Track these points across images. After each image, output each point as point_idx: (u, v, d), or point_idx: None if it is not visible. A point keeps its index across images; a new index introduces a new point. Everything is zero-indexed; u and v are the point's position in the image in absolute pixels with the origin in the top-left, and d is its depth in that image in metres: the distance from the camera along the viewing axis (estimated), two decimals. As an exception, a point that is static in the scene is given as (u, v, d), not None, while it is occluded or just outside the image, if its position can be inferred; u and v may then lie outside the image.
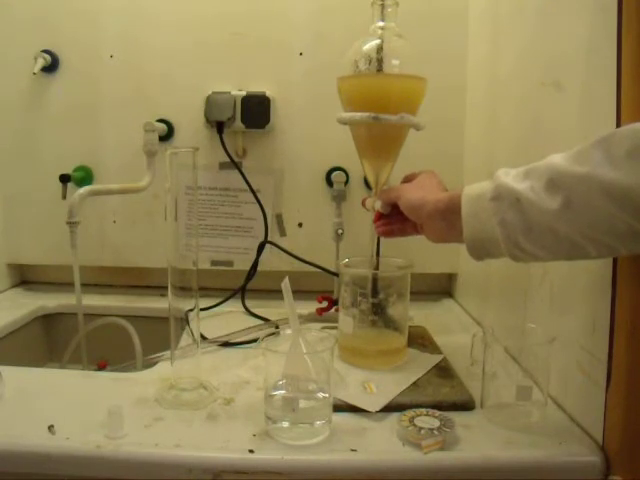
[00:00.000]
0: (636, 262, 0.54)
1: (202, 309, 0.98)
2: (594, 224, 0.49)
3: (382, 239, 0.80)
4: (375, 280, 0.79)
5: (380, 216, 0.77)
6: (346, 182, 1.09)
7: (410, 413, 0.63)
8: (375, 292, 0.79)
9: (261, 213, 1.08)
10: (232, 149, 1.09)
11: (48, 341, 1.10)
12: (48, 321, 1.09)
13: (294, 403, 0.60)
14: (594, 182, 0.47)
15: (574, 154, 0.50)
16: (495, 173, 0.56)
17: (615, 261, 0.57)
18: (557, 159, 0.51)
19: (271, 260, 1.10)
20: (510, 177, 0.54)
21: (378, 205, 0.76)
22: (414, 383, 0.72)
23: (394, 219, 0.75)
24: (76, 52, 1.09)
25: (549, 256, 0.54)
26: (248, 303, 1.05)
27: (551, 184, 0.50)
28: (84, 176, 1.10)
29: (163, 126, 1.08)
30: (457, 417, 0.63)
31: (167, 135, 1.10)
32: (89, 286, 1.09)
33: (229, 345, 0.87)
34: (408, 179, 0.75)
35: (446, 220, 0.63)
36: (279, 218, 1.13)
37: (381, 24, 0.77)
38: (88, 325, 0.95)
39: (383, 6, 0.77)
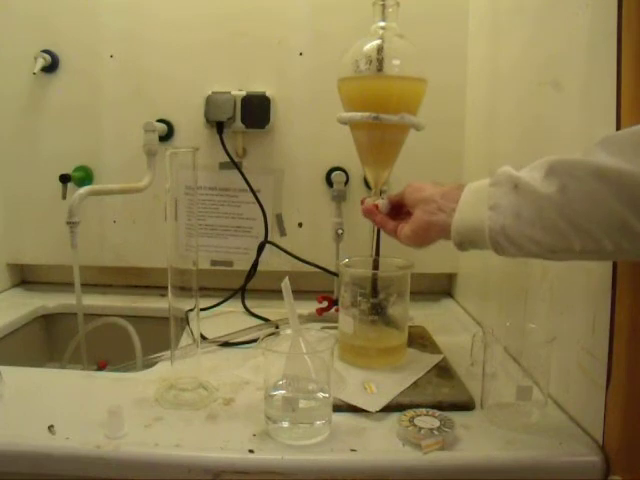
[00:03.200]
0: (636, 262, 0.54)
1: (202, 309, 0.98)
2: (586, 211, 0.48)
3: (382, 239, 0.80)
4: (375, 280, 0.79)
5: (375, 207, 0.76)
6: (346, 182, 1.09)
7: (410, 413, 0.63)
8: (375, 292, 0.79)
9: (261, 213, 1.08)
10: (232, 149, 1.09)
11: (48, 341, 1.10)
12: (48, 321, 1.09)
13: (294, 403, 0.60)
14: (592, 166, 0.48)
15: (577, 153, 0.50)
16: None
17: (615, 261, 0.57)
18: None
19: (271, 260, 1.10)
20: (512, 168, 0.55)
21: (381, 203, 0.76)
22: (414, 383, 0.72)
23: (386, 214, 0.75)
24: (76, 52, 1.09)
25: (532, 247, 0.53)
26: (248, 303, 1.05)
27: (550, 171, 0.51)
28: (84, 176, 1.10)
29: (163, 126, 1.08)
30: (457, 417, 0.63)
31: (167, 135, 1.10)
32: (89, 286, 1.09)
33: (229, 345, 0.87)
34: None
35: (440, 201, 0.61)
36: (279, 218, 1.13)
37: (382, 24, 0.77)
38: (88, 325, 0.95)
39: (384, 6, 0.77)
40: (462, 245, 0.59)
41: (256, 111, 1.07)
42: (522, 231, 0.52)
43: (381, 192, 0.81)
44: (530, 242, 0.52)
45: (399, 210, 0.72)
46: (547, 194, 0.50)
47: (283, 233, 1.13)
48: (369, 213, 0.75)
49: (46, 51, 1.07)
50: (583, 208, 0.49)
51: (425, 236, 0.65)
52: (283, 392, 0.61)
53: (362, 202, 0.81)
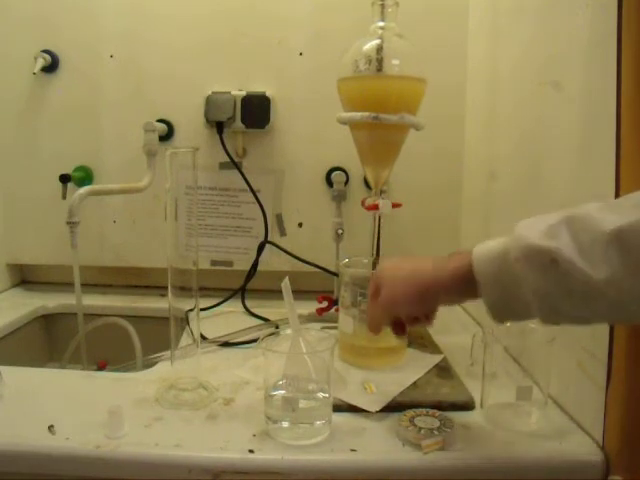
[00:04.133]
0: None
1: (202, 309, 0.98)
2: None
3: (382, 239, 0.80)
4: (375, 280, 0.79)
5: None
6: (346, 182, 1.09)
7: (410, 413, 0.63)
8: (375, 292, 0.79)
9: (261, 213, 1.08)
10: (232, 149, 1.09)
11: (48, 341, 1.10)
12: (48, 321, 1.09)
13: (294, 403, 0.60)
14: None
15: (613, 207, 0.44)
16: (515, 228, 0.49)
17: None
18: (596, 213, 0.44)
19: (271, 260, 1.10)
20: (536, 232, 0.46)
21: (382, 203, 0.76)
22: (414, 383, 0.72)
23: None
24: (76, 52, 1.09)
25: (601, 319, 0.48)
26: (248, 303, 1.05)
27: (617, 246, 0.42)
28: (84, 176, 1.10)
29: (163, 126, 1.08)
30: (457, 417, 0.63)
31: (167, 135, 1.10)
32: (89, 286, 1.09)
33: (229, 345, 0.87)
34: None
35: (457, 293, 0.56)
36: (279, 218, 1.13)
37: (381, 24, 0.77)
38: (88, 325, 0.95)
39: (383, 6, 0.77)
40: (503, 321, 0.54)
41: (256, 111, 1.07)
42: (582, 308, 0.46)
43: (381, 192, 0.81)
44: (597, 317, 0.48)
45: None
46: (600, 279, 0.42)
47: (283, 233, 1.13)
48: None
49: (46, 51, 1.07)
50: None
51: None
52: (283, 392, 0.61)
53: (362, 202, 0.81)
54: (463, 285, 0.53)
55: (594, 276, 0.42)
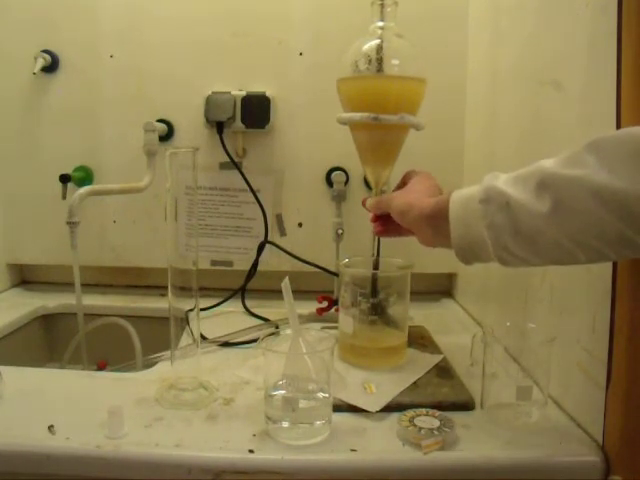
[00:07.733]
0: (636, 262, 0.54)
1: (202, 309, 0.98)
2: (583, 228, 0.48)
3: (382, 239, 0.80)
4: (375, 280, 0.79)
5: (377, 216, 0.76)
6: (346, 182, 1.09)
7: (410, 413, 0.63)
8: (375, 292, 0.79)
9: (261, 213, 1.08)
10: (232, 149, 1.09)
11: (48, 341, 1.10)
12: (48, 321, 1.09)
13: (294, 403, 0.60)
14: (585, 184, 0.47)
15: (565, 158, 0.49)
16: (484, 177, 0.56)
17: (615, 261, 0.57)
18: (547, 163, 0.51)
19: (271, 260, 1.10)
20: (500, 181, 0.54)
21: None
22: (414, 383, 0.72)
23: (391, 219, 0.74)
24: (76, 52, 1.09)
25: (538, 260, 0.53)
26: (248, 303, 1.05)
27: (541, 187, 0.50)
28: (84, 176, 1.10)
29: (163, 126, 1.08)
30: (457, 417, 0.63)
31: (167, 135, 1.10)
32: (89, 286, 1.09)
33: (229, 345, 0.88)
34: (406, 177, 0.74)
35: (431, 225, 0.62)
36: (279, 218, 1.13)
37: (380, 24, 0.77)
38: (88, 325, 0.95)
39: (382, 6, 0.77)
40: (468, 261, 0.59)
41: (256, 111, 1.07)
42: (524, 248, 0.52)
43: (382, 192, 0.81)
44: (534, 256, 0.53)
45: None
46: (542, 213, 0.49)
47: (283, 233, 1.13)
48: (383, 233, 0.76)
49: (46, 51, 1.07)
50: (580, 226, 0.48)
51: (435, 247, 0.65)
52: (283, 392, 0.61)
53: (363, 202, 0.81)
54: (434, 217, 0.61)
55: (539, 210, 0.49)
